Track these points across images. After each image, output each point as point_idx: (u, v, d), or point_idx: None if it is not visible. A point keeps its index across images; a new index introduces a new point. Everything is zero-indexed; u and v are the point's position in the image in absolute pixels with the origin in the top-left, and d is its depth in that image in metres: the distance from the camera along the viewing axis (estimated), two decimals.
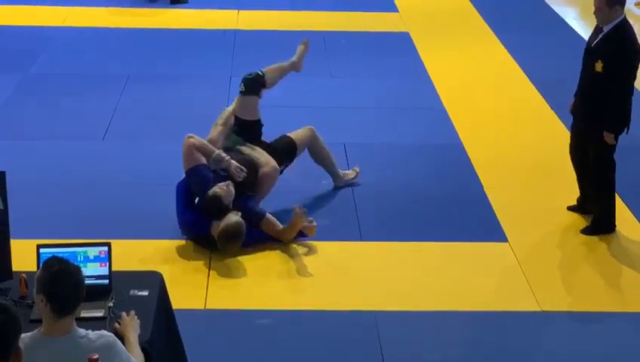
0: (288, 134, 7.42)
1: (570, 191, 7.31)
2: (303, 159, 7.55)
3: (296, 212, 6.70)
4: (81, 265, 4.42)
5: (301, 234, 6.80)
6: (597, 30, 6.80)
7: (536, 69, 10.60)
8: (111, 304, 4.50)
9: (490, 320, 6.06)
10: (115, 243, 4.76)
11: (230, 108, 7.34)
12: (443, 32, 12.09)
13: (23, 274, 4.60)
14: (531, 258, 6.75)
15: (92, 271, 4.57)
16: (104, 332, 3.93)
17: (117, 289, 4.62)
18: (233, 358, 5.62)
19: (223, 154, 6.85)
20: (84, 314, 4.33)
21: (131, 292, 4.64)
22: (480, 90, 10.06)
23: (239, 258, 6.60)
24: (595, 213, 7.10)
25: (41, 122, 8.90)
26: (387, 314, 6.03)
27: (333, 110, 9.33)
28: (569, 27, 12.56)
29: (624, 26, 6.68)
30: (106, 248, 4.62)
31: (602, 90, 6.68)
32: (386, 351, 5.65)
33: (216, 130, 7.17)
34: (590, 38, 6.91)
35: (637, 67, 6.75)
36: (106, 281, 4.62)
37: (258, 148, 7.17)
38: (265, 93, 7.35)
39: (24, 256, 4.76)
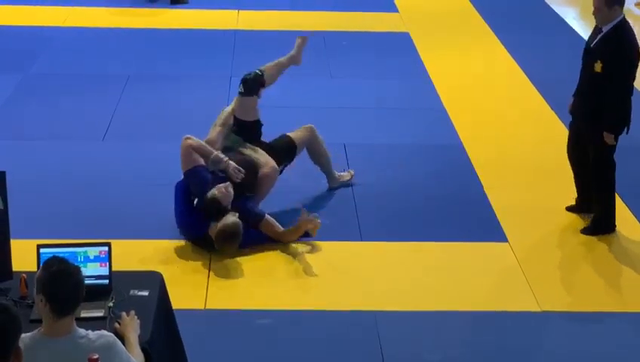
0: (288, 134, 7.42)
1: (571, 191, 7.31)
2: (303, 159, 7.55)
3: (303, 215, 6.69)
4: (82, 265, 4.43)
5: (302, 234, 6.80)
6: (596, 30, 6.80)
7: (536, 69, 10.60)
8: (111, 304, 4.50)
9: (490, 320, 6.06)
10: (115, 244, 4.76)
11: (229, 108, 7.32)
12: (443, 32, 12.09)
13: (23, 274, 4.60)
14: (531, 258, 6.75)
15: (92, 271, 4.57)
16: (104, 332, 3.93)
17: (117, 289, 4.62)
18: (233, 358, 5.62)
19: (221, 155, 6.84)
20: (84, 314, 4.33)
21: (131, 292, 4.64)
22: (480, 90, 10.06)
23: (239, 258, 6.60)
24: (595, 213, 7.10)
25: (41, 122, 8.90)
26: (387, 314, 6.03)
27: (333, 110, 9.33)
28: (569, 27, 12.56)
29: (623, 26, 6.68)
30: (106, 248, 4.62)
31: (602, 90, 6.68)
32: (386, 351, 5.65)
33: (215, 131, 7.16)
34: (589, 38, 6.91)
35: (636, 67, 6.75)
36: (106, 281, 4.62)
37: (258, 149, 7.16)
38: (264, 92, 7.35)
39: (24, 256, 4.76)
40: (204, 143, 6.88)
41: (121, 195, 7.46)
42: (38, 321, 3.91)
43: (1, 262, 4.69)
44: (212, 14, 12.44)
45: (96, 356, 3.66)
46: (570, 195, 7.32)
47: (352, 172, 7.79)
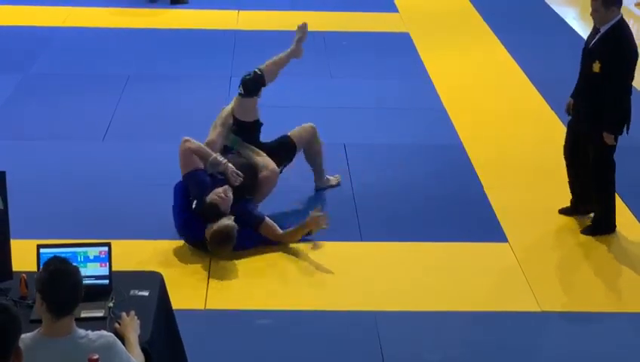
0: (288, 133, 7.40)
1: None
2: (303, 159, 7.55)
3: (313, 213, 6.68)
4: (82, 265, 4.45)
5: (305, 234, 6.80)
6: (594, 31, 6.81)
7: (536, 69, 10.60)
8: (111, 304, 4.50)
9: (490, 320, 6.06)
10: (115, 244, 4.76)
11: (229, 108, 7.29)
12: (443, 32, 12.09)
13: (23, 274, 4.60)
14: (531, 258, 6.75)
15: (92, 271, 4.57)
16: (104, 332, 3.93)
17: (117, 289, 4.62)
18: (233, 358, 5.62)
19: (220, 158, 6.81)
20: (84, 314, 4.33)
21: (131, 292, 4.64)
22: (480, 90, 10.07)
23: (239, 258, 6.60)
24: (595, 213, 7.10)
25: (41, 122, 8.90)
26: (387, 314, 6.03)
27: (333, 110, 9.33)
28: (569, 27, 12.56)
29: (621, 26, 6.69)
30: (106, 248, 4.62)
31: (600, 90, 6.69)
32: (386, 351, 5.65)
33: (215, 132, 7.14)
34: (588, 38, 6.92)
35: (634, 67, 6.76)
36: (106, 281, 4.62)
37: (257, 150, 7.15)
38: (264, 91, 7.34)
39: (24, 256, 4.76)
40: (203, 146, 6.85)
41: (121, 195, 7.46)
42: (38, 321, 3.91)
43: (1, 262, 4.69)
44: (212, 14, 12.44)
45: (96, 356, 3.66)
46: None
47: (339, 177, 7.76)
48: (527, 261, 6.70)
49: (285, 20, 12.02)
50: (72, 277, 3.78)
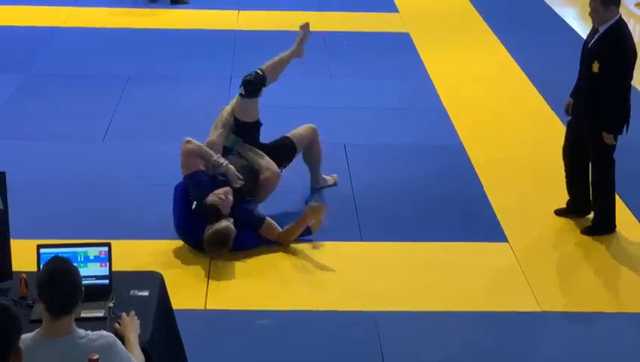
0: (288, 135, 7.40)
1: None
2: (302, 160, 7.55)
3: (308, 206, 6.68)
4: (82, 265, 4.45)
5: (301, 234, 6.79)
6: (593, 31, 6.82)
7: (536, 69, 10.60)
8: (111, 304, 4.50)
9: (490, 320, 6.06)
10: (115, 244, 4.76)
11: (229, 108, 7.27)
12: (443, 32, 12.09)
13: (23, 274, 4.60)
14: (531, 258, 6.75)
15: (92, 271, 4.57)
16: (104, 332, 3.93)
17: (117, 289, 4.62)
18: (233, 358, 5.62)
19: (221, 160, 6.80)
20: (84, 314, 4.33)
21: (131, 292, 4.64)
22: (480, 90, 10.06)
23: (239, 258, 6.60)
24: (596, 213, 7.09)
25: (41, 122, 8.90)
26: (387, 314, 6.03)
27: (333, 110, 9.33)
28: (569, 27, 12.56)
29: (619, 26, 6.69)
30: (106, 248, 4.62)
31: (600, 90, 6.69)
32: (386, 351, 5.65)
33: (215, 133, 7.13)
34: (587, 38, 6.93)
35: (633, 66, 6.76)
36: (107, 281, 4.62)
37: (258, 150, 7.14)
38: (264, 91, 7.33)
39: (24, 256, 4.76)
40: (204, 147, 6.83)
41: (121, 195, 7.46)
42: (38, 321, 3.91)
43: (1, 262, 4.69)
44: (212, 14, 12.44)
45: (96, 356, 3.66)
46: None
47: (336, 176, 7.76)
48: (527, 261, 6.70)
49: (285, 20, 12.03)
50: (70, 276, 3.78)
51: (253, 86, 7.16)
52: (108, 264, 4.62)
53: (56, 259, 3.84)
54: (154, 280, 4.82)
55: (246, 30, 11.85)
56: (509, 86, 10.24)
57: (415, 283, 6.43)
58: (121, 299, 4.56)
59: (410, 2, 13.31)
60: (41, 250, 4.50)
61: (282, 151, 7.26)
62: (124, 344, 4.02)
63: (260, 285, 6.36)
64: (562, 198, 7.32)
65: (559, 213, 7.28)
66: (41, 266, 3.88)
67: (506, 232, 7.06)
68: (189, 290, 6.20)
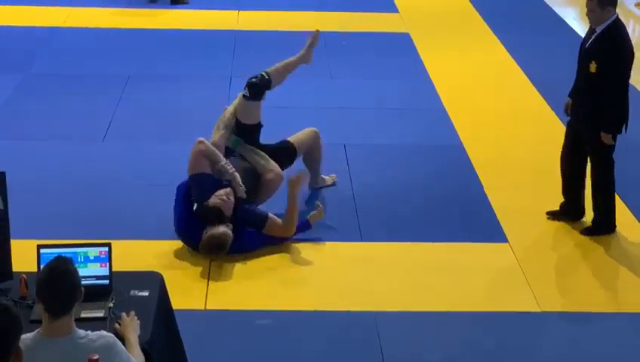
0: (289, 139, 7.38)
1: None
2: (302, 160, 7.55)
3: (289, 176, 6.73)
4: (82, 265, 4.45)
5: (300, 229, 6.79)
6: (590, 31, 6.82)
7: (536, 69, 10.61)
8: (111, 304, 4.50)
9: (490, 320, 6.06)
10: (115, 244, 4.76)
11: (231, 109, 7.27)
12: (443, 32, 12.09)
13: (23, 274, 4.60)
14: (531, 258, 6.75)
15: (92, 271, 4.58)
16: (104, 332, 3.93)
17: (117, 289, 4.62)
18: (233, 358, 5.62)
19: (228, 167, 6.77)
20: (84, 314, 4.33)
21: (131, 292, 4.64)
22: (480, 90, 10.07)
23: (239, 259, 6.60)
24: (595, 213, 7.09)
25: (41, 122, 8.90)
26: (387, 314, 6.03)
27: (333, 110, 9.33)
28: (569, 27, 12.57)
29: (617, 26, 6.69)
30: (106, 248, 4.62)
31: (597, 90, 6.69)
32: (386, 351, 5.65)
33: (218, 134, 7.12)
34: (584, 38, 6.93)
35: (631, 66, 6.75)
36: (107, 281, 4.62)
37: (259, 151, 7.14)
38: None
39: (24, 256, 4.76)
40: (215, 150, 6.80)
41: (121, 195, 7.46)
42: (38, 321, 3.91)
43: (1, 262, 4.69)
44: (212, 15, 12.44)
45: (96, 356, 3.66)
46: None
47: (335, 176, 7.75)
48: (527, 261, 6.70)
49: (285, 20, 12.05)
50: (69, 276, 3.78)
51: (257, 89, 7.15)
52: (108, 264, 4.62)
53: (56, 259, 3.84)
54: (154, 281, 4.82)
55: (246, 30, 11.85)
56: (509, 86, 10.24)
57: (415, 283, 6.43)
58: (121, 299, 4.57)
59: (410, 2, 13.31)
60: (41, 250, 4.50)
61: (283, 155, 7.26)
62: (124, 344, 4.02)
63: (260, 285, 6.36)
64: (562, 198, 7.32)
65: (552, 215, 7.25)
66: (42, 266, 3.87)
67: (506, 232, 7.06)
68: (189, 290, 6.20)
